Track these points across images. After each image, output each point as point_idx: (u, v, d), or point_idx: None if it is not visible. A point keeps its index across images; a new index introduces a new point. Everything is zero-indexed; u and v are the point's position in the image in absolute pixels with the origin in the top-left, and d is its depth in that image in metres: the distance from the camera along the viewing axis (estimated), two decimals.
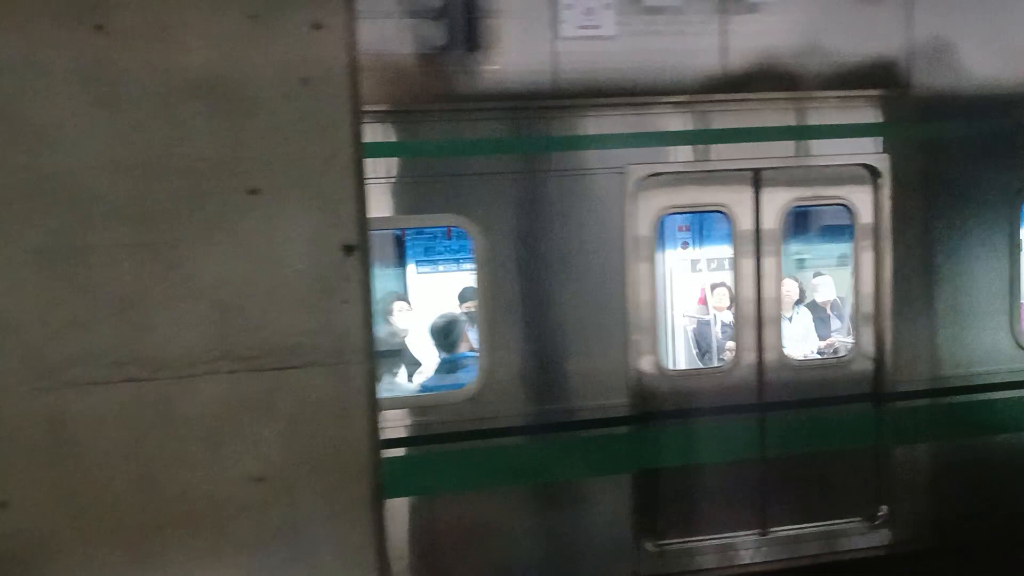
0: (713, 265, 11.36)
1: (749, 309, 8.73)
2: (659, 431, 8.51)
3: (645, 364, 8.49)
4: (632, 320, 8.44)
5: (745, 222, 8.63)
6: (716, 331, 10.69)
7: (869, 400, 8.81)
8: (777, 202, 8.64)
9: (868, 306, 8.87)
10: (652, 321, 8.73)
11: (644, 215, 8.35)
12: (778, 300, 8.87)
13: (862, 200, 8.67)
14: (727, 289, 10.12)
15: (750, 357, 8.77)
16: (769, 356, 8.73)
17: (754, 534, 8.76)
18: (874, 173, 8.59)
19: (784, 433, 8.77)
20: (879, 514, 8.94)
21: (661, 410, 8.49)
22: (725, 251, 10.01)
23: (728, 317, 9.93)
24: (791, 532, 8.79)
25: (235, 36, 3.52)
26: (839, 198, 8.81)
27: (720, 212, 8.77)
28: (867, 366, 8.86)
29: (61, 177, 3.42)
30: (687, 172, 8.46)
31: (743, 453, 8.70)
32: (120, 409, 3.35)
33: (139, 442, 3.33)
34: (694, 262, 11.53)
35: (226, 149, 3.41)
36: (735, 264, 8.75)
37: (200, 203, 3.39)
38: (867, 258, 8.76)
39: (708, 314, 10.89)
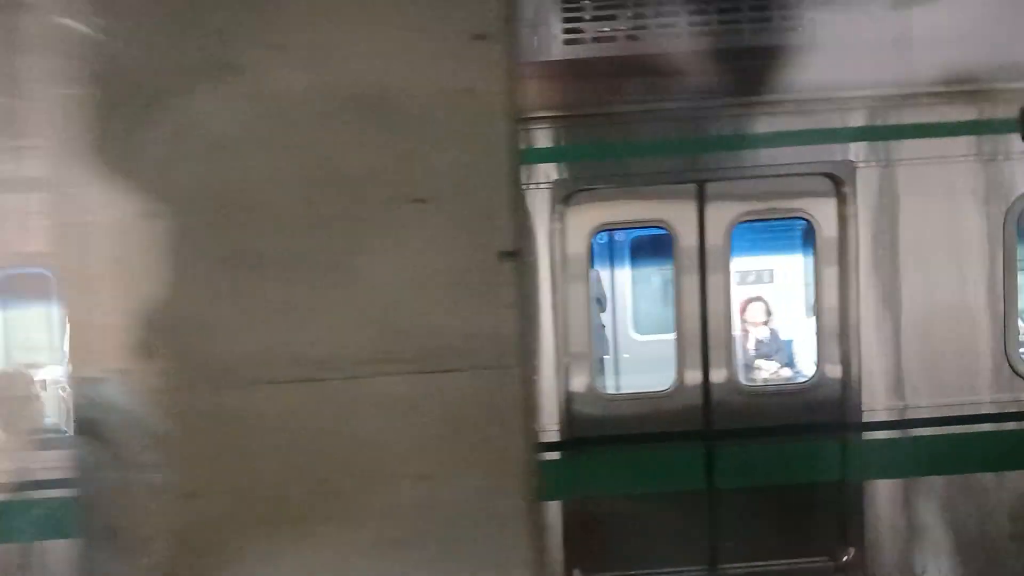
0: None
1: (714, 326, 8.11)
2: (590, 457, 8.07)
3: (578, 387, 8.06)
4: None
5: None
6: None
7: (835, 430, 8.01)
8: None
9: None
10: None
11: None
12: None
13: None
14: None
15: (695, 379, 8.17)
16: (716, 380, 8.07)
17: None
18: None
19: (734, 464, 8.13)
20: (844, 557, 8.15)
21: (596, 436, 8.05)
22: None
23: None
24: (743, 570, 8.12)
25: (398, 49, 3.65)
26: None
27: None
28: (833, 392, 8.02)
29: (239, 189, 3.66)
30: None
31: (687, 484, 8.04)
32: (293, 408, 3.55)
33: (311, 440, 3.51)
34: None
35: (388, 160, 3.55)
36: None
37: (365, 213, 3.54)
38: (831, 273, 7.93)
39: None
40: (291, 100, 3.67)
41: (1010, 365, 7.88)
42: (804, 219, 8.46)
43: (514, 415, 3.56)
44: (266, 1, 3.57)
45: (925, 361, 8.18)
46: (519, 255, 3.56)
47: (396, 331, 3.58)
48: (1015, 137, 7.64)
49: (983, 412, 8.02)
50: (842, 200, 8.06)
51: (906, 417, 8.12)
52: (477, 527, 3.53)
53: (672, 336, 8.60)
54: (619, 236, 11.02)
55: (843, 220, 8.10)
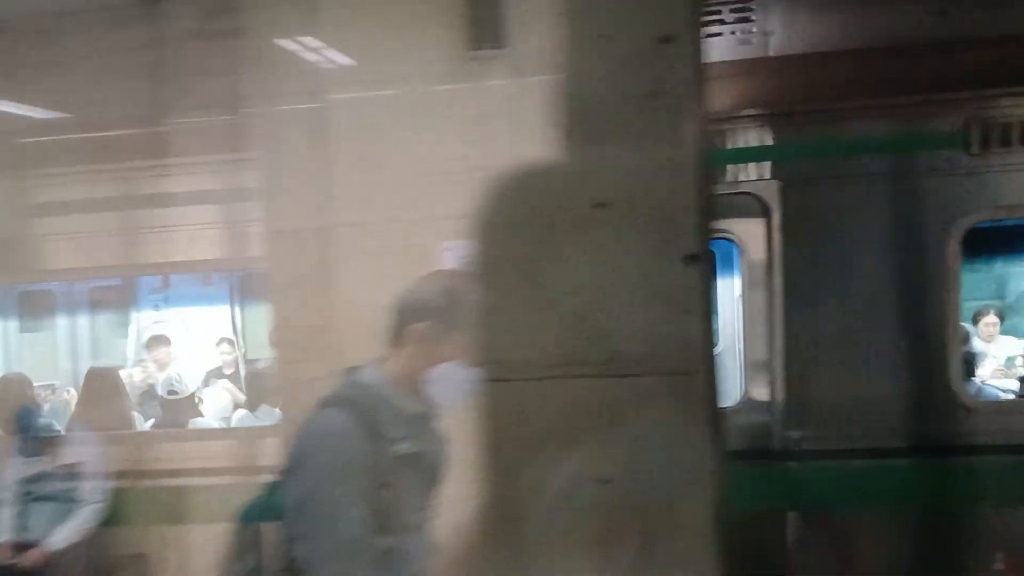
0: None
1: None
2: None
3: None
4: None
5: None
6: None
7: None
8: None
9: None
10: None
11: None
12: None
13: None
14: None
15: None
16: None
17: None
18: None
19: None
20: None
21: None
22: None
23: None
24: None
25: (588, 54, 3.71)
26: None
27: None
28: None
29: (436, 196, 3.84)
30: None
31: None
32: (484, 407, 3.65)
33: (500, 438, 3.60)
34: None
35: (575, 164, 3.61)
36: None
37: (552, 217, 3.61)
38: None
39: None
40: (486, 106, 3.83)
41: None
42: None
43: (699, 422, 3.51)
44: None
45: None
46: (703, 258, 3.51)
47: (583, 335, 3.61)
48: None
49: None
50: None
51: None
52: (662, 532, 3.50)
53: None
54: None
55: None
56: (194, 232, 4.79)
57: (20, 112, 5.06)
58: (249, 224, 4.47)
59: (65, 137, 5.00)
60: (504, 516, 3.58)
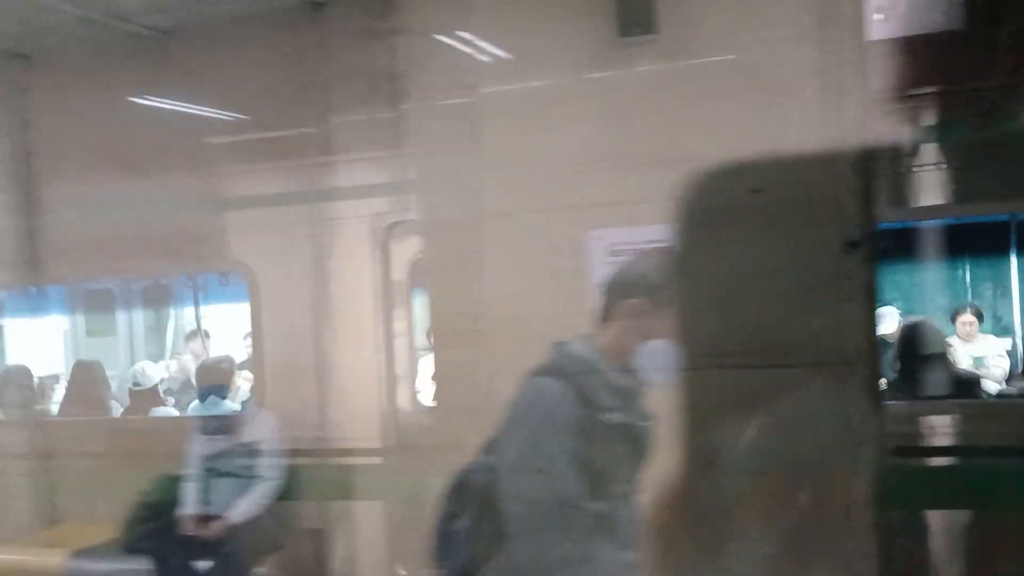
0: None
1: None
2: None
3: None
4: None
5: None
6: None
7: None
8: None
9: None
10: None
11: None
12: None
13: None
14: None
15: None
16: None
17: None
18: None
19: None
20: None
21: None
22: None
23: None
24: None
25: (742, 37, 3.62)
26: None
27: None
28: None
29: (584, 185, 3.84)
30: None
31: None
32: None
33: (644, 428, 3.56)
34: None
35: (728, 148, 3.52)
36: None
37: (704, 201, 3.53)
38: None
39: None
40: (634, 89, 3.80)
41: None
42: None
43: (858, 416, 3.36)
44: None
45: None
46: (865, 245, 3.35)
47: (736, 324, 3.53)
48: None
49: None
50: None
51: None
52: (814, 527, 3.38)
53: None
54: None
55: None
56: (355, 224, 5.01)
57: (200, 113, 5.44)
58: (406, 216, 4.62)
59: (241, 137, 5.33)
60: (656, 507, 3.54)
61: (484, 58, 4.20)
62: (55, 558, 5.02)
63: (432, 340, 4.31)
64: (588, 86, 3.93)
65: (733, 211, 3.52)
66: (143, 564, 4.75)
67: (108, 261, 5.61)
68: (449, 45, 4.23)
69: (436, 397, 4.33)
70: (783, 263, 3.46)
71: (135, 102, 5.46)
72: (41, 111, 5.61)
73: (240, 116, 5.34)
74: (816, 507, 3.41)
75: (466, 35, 4.21)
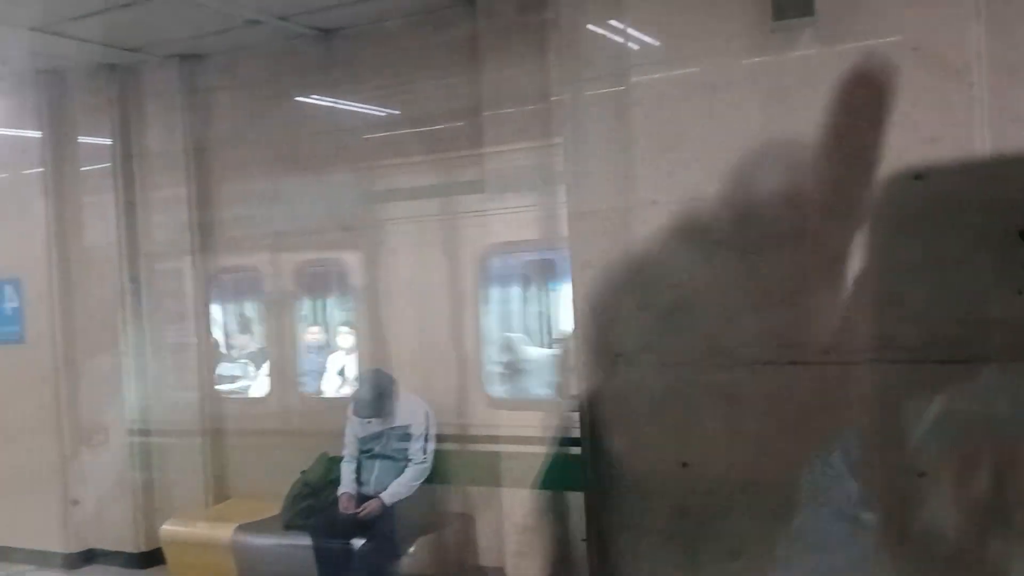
0: None
1: None
2: None
3: None
4: None
5: None
6: None
7: None
8: None
9: None
10: None
11: None
12: None
13: None
14: None
15: None
16: None
17: None
18: None
19: None
20: None
21: None
22: None
23: None
24: None
25: (901, 20, 3.47)
26: None
27: None
28: None
29: (719, 162, 3.77)
30: None
31: None
32: (783, 389, 3.54)
33: (799, 421, 3.48)
34: None
35: (890, 134, 3.37)
36: None
37: (862, 191, 3.41)
38: None
39: None
40: (791, 79, 3.71)
41: None
42: None
43: None
44: None
45: None
46: None
47: (893, 317, 3.39)
48: None
49: None
50: None
51: None
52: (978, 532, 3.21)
53: None
54: None
55: None
56: (505, 216, 5.07)
57: (361, 111, 5.65)
58: (555, 207, 4.64)
59: (397, 132, 5.50)
60: (782, 501, 3.44)
61: (635, 47, 4.18)
62: (223, 531, 5.33)
63: (578, 332, 4.32)
64: (742, 72, 3.85)
65: (894, 197, 3.38)
66: (302, 539, 4.97)
67: (273, 252, 5.90)
68: (600, 35, 4.24)
69: (581, 387, 4.33)
70: (948, 252, 3.29)
71: (299, 100, 5.73)
72: (213, 110, 5.95)
73: (396, 112, 5.50)
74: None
75: (617, 24, 4.20)
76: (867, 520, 3.20)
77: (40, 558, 6.16)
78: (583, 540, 4.48)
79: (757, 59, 3.84)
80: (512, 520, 5.05)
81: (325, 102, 5.73)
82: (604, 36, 4.24)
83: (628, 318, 4.14)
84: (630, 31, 4.18)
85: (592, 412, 4.24)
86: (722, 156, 3.85)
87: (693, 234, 3.92)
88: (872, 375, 3.44)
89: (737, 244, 3.71)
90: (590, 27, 4.24)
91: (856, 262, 3.44)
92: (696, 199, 3.91)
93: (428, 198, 5.44)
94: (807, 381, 3.53)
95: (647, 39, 4.16)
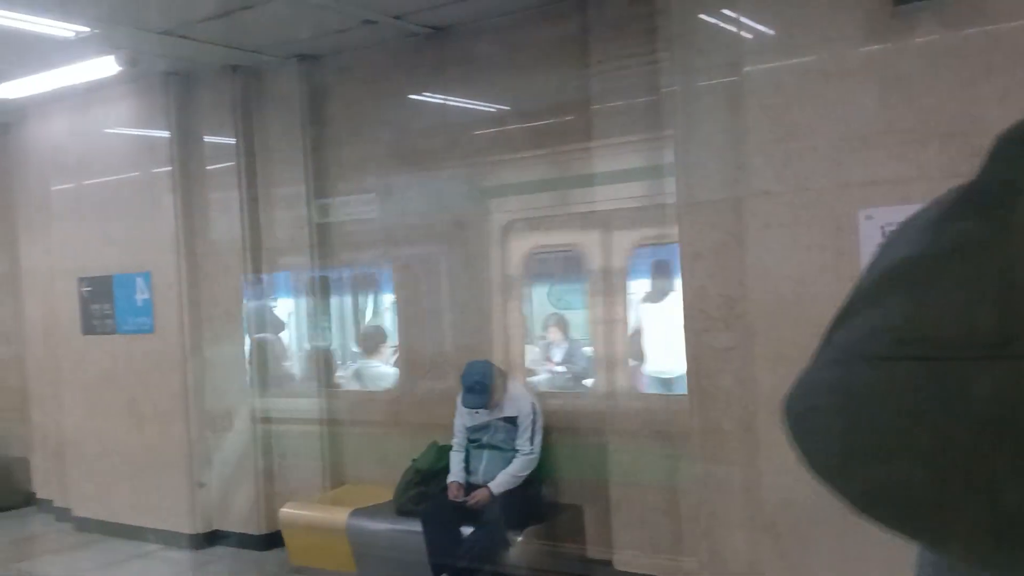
0: None
1: None
2: None
3: None
4: None
5: None
6: None
7: None
8: None
9: None
10: None
11: None
12: None
13: None
14: None
15: None
16: None
17: None
18: None
19: None
20: None
21: None
22: None
23: None
24: None
25: None
26: None
27: None
28: None
29: (835, 151, 3.68)
30: None
31: None
32: (901, 386, 3.43)
33: (915, 423, 3.36)
34: None
35: (1011, 119, 3.24)
36: None
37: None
38: None
39: None
40: (911, 64, 3.59)
41: None
42: None
43: None
44: None
45: None
46: None
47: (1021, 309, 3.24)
48: None
49: None
50: None
51: None
52: None
53: None
54: None
55: None
56: (614, 209, 5.06)
57: (472, 106, 5.72)
58: (665, 199, 4.62)
59: (508, 128, 5.55)
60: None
61: (748, 36, 4.13)
62: (338, 515, 5.50)
63: (686, 324, 4.30)
64: (860, 59, 3.76)
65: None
66: (413, 525, 5.09)
67: (386, 247, 6.04)
68: (712, 24, 4.19)
69: (690, 383, 4.30)
70: None
71: (412, 98, 5.85)
72: (330, 109, 6.13)
73: (507, 108, 5.55)
74: None
75: (730, 13, 4.15)
76: None
77: (168, 538, 6.48)
78: (692, 535, 4.47)
79: (876, 46, 3.74)
80: (620, 512, 5.05)
81: (437, 99, 5.84)
82: (717, 26, 4.19)
83: (726, 309, 4.10)
84: (743, 20, 4.12)
85: (703, 407, 4.22)
86: (838, 146, 3.77)
87: (805, 223, 3.85)
88: (996, 373, 3.30)
89: (837, 232, 3.62)
90: (702, 17, 4.20)
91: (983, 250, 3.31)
92: (809, 189, 3.84)
93: (537, 192, 5.47)
94: (925, 376, 3.41)
95: (761, 27, 4.10)
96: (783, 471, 3.97)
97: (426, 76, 5.74)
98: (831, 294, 3.80)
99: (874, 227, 3.62)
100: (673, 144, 4.31)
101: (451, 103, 5.79)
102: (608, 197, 5.07)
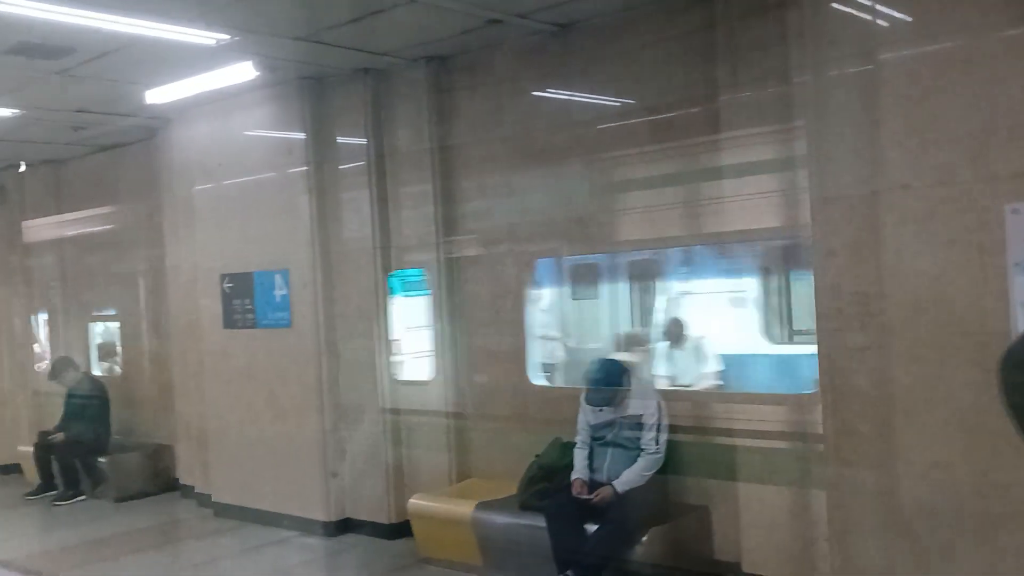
0: None
1: None
2: None
3: None
4: None
5: None
6: None
7: None
8: None
9: None
10: None
11: None
12: None
13: None
14: None
15: None
16: None
17: None
18: None
19: None
20: None
21: None
22: None
23: None
24: None
25: None
26: None
27: None
28: None
29: (978, 142, 3.50)
30: None
31: None
32: None
33: None
34: None
35: None
36: None
37: None
38: None
39: None
40: None
41: None
42: None
43: None
44: None
45: None
46: None
47: None
48: None
49: None
50: None
51: None
52: None
53: None
54: None
55: None
56: (742, 203, 4.93)
57: (596, 101, 5.70)
58: (795, 193, 4.49)
59: (632, 121, 5.51)
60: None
61: (884, 23, 3.97)
62: (464, 507, 5.60)
63: (819, 323, 4.17)
64: (1002, 45, 3.56)
65: None
66: (537, 520, 5.12)
67: (510, 244, 6.08)
68: (845, 12, 4.05)
69: (823, 382, 4.17)
70: None
71: (536, 95, 5.88)
72: (456, 108, 6.22)
73: (631, 101, 5.51)
74: None
75: (864, 1, 4.00)
76: None
77: (303, 525, 6.73)
78: (824, 539, 4.33)
79: (1019, 30, 3.53)
80: (749, 515, 4.95)
81: (561, 95, 5.85)
82: (850, 14, 4.05)
83: (862, 307, 3.96)
84: (877, 7, 3.97)
85: (836, 408, 4.09)
86: (982, 137, 3.59)
87: (945, 217, 3.69)
88: None
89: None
90: (834, 5, 4.07)
91: None
92: (949, 182, 3.67)
93: (663, 187, 5.40)
94: None
95: (897, 14, 3.93)
96: (922, 476, 3.82)
97: (550, 73, 5.76)
98: (973, 292, 3.63)
99: (1022, 222, 3.44)
100: (805, 137, 4.19)
101: (575, 99, 5.79)
102: (736, 191, 4.96)
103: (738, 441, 4.98)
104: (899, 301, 3.83)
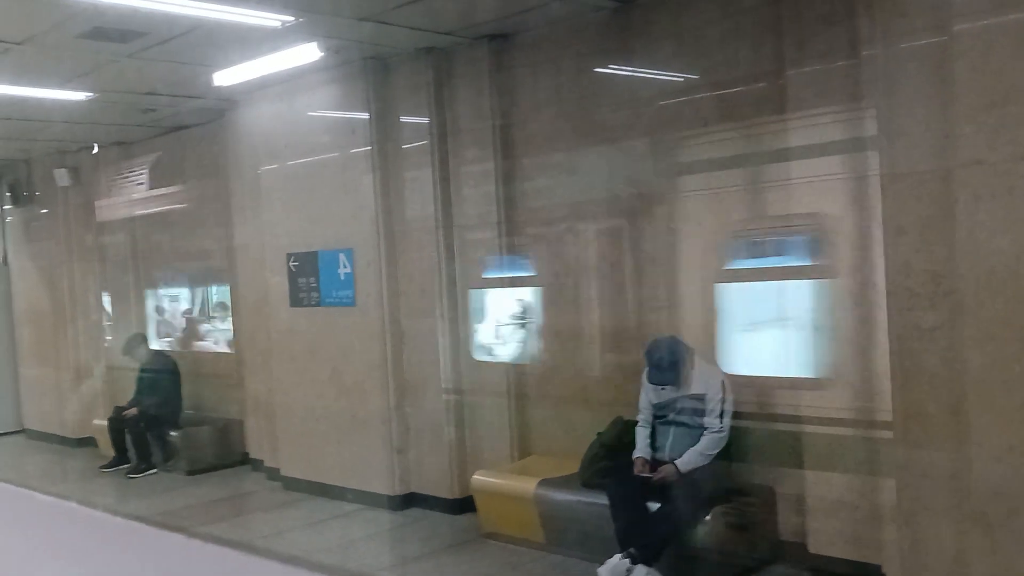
0: None
1: None
2: None
3: None
4: None
5: None
6: None
7: None
8: None
9: None
10: None
11: None
12: None
13: None
14: None
15: None
16: None
17: None
18: None
19: None
20: None
21: None
22: None
23: None
24: None
25: None
26: None
27: None
28: None
29: None
30: None
31: None
32: None
33: None
34: None
35: None
36: None
37: None
38: None
39: None
40: None
41: None
42: None
43: None
44: None
45: None
46: None
47: None
48: None
49: None
50: None
51: None
52: None
53: None
54: None
55: None
56: (810, 184, 4.82)
57: (657, 77, 5.64)
58: (865, 172, 4.39)
59: (695, 97, 5.43)
60: None
61: None
62: (527, 484, 5.64)
63: (889, 302, 4.08)
64: None
65: None
66: (599, 498, 5.13)
67: (572, 222, 6.07)
68: None
69: (893, 363, 4.09)
70: None
71: (597, 72, 5.83)
72: (517, 87, 6.21)
73: (694, 77, 5.43)
74: None
75: None
76: None
77: (368, 498, 6.85)
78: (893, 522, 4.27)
79: None
80: (815, 496, 4.90)
81: (623, 72, 5.79)
82: None
83: (933, 286, 3.87)
84: None
85: (906, 389, 4.01)
86: None
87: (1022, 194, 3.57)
88: None
89: None
90: None
91: None
92: None
93: (727, 168, 5.32)
94: None
95: None
96: (996, 459, 3.73)
97: (611, 50, 5.70)
98: None
99: None
100: (875, 112, 4.10)
101: (637, 75, 5.73)
102: (804, 170, 4.85)
103: (806, 422, 4.92)
104: (973, 280, 3.73)
